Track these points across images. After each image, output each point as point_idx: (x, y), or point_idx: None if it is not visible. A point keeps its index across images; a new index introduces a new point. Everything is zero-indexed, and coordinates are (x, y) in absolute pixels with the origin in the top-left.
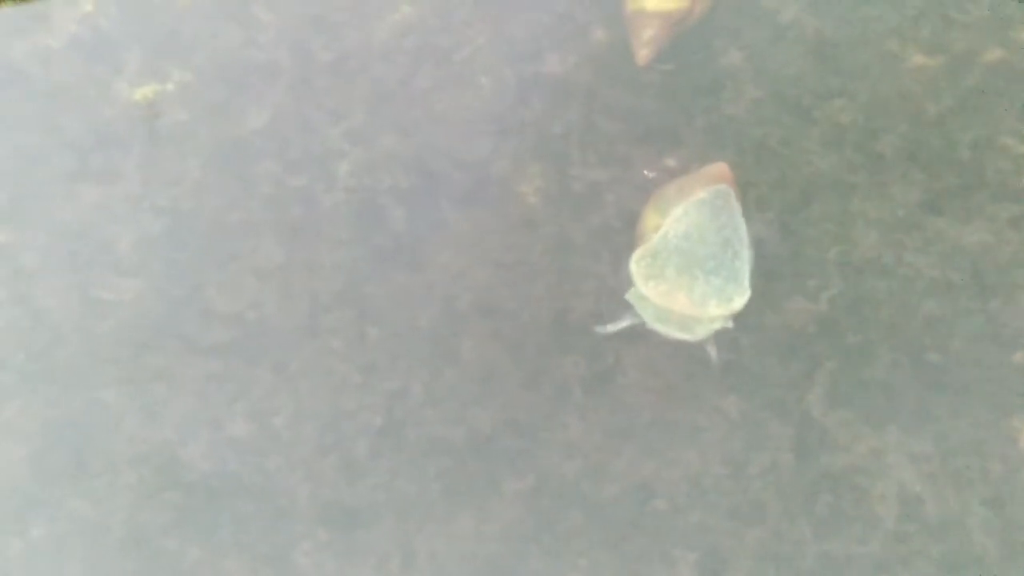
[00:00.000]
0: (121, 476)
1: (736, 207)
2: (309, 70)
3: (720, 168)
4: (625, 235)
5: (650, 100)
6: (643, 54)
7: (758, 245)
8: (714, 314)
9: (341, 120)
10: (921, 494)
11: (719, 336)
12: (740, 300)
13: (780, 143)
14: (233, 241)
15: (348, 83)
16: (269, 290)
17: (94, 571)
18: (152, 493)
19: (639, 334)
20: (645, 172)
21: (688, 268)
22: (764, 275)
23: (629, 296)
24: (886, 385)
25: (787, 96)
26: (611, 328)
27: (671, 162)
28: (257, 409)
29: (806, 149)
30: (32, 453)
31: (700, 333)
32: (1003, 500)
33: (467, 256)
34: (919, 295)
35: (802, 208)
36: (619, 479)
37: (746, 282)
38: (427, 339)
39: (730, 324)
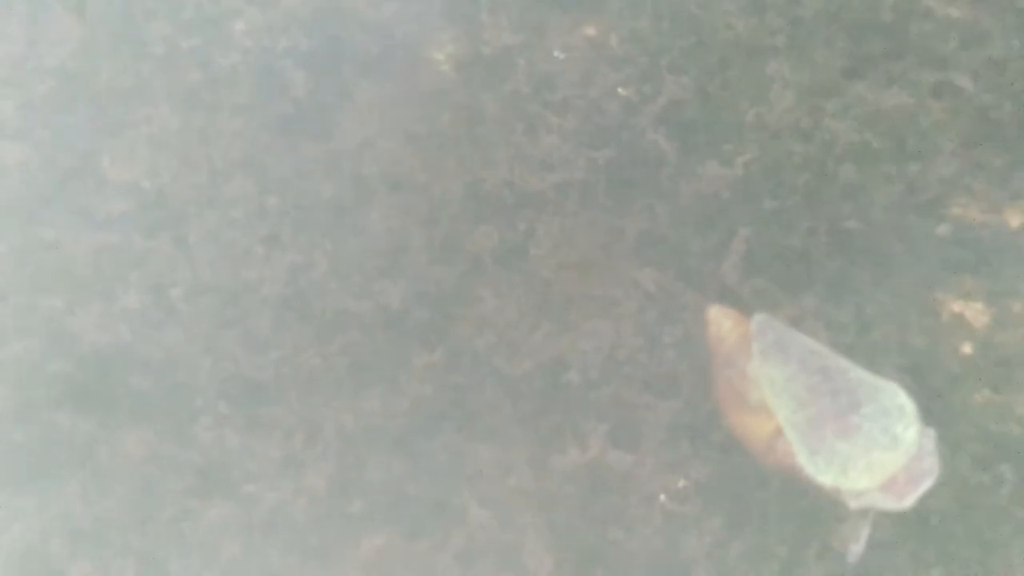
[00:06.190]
0: (7, 347)
1: (778, 324)
2: None
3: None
4: (537, 102)
5: None
6: None
7: (674, 108)
8: (908, 439)
9: None
10: None
11: None
12: (904, 400)
13: (698, 6)
14: (126, 106)
15: None
16: (165, 158)
17: None
18: (40, 364)
19: (549, 201)
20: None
21: (841, 425)
22: (679, 141)
23: (853, 505)
24: (803, 253)
25: None
26: (857, 550)
27: (589, 31)
28: (154, 282)
29: (725, 12)
30: None
31: (917, 487)
32: (923, 370)
33: (374, 125)
34: (837, 159)
35: (719, 72)
36: (532, 354)
37: (877, 379)
38: (332, 210)
39: (931, 432)
